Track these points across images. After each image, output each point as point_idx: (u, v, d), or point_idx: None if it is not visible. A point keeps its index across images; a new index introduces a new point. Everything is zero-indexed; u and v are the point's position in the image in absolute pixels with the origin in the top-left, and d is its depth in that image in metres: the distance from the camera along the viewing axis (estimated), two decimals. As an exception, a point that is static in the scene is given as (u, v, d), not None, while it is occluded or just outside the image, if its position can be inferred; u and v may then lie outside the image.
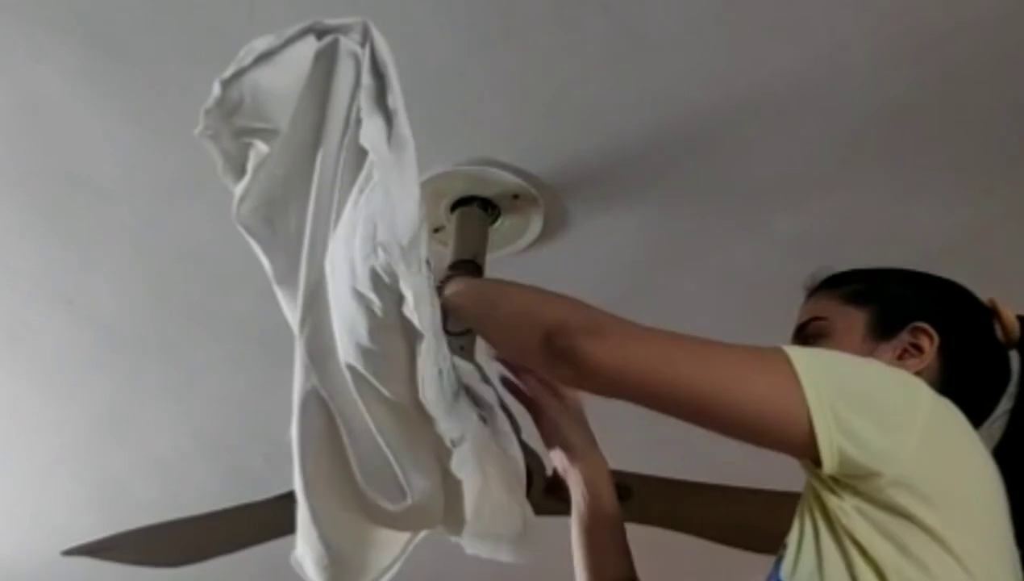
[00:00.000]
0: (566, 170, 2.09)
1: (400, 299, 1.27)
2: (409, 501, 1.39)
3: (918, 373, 1.31)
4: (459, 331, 1.55)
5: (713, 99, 1.95)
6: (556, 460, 1.56)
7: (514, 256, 2.28)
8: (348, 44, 1.31)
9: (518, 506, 1.50)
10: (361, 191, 1.30)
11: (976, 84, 1.91)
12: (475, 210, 2.15)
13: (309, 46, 1.31)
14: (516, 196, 2.13)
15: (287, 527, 2.39)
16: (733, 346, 1.22)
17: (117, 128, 2.04)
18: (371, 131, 1.29)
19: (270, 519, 2.36)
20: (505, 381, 1.54)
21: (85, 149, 2.09)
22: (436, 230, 2.20)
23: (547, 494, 2.18)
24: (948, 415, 1.21)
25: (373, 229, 1.27)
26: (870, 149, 2.04)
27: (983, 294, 2.33)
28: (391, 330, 1.31)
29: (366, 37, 1.32)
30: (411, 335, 1.31)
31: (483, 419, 1.49)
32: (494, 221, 2.19)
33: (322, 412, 1.40)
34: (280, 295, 1.43)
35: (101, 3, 1.80)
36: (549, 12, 1.80)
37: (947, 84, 1.91)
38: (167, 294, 2.43)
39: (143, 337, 2.55)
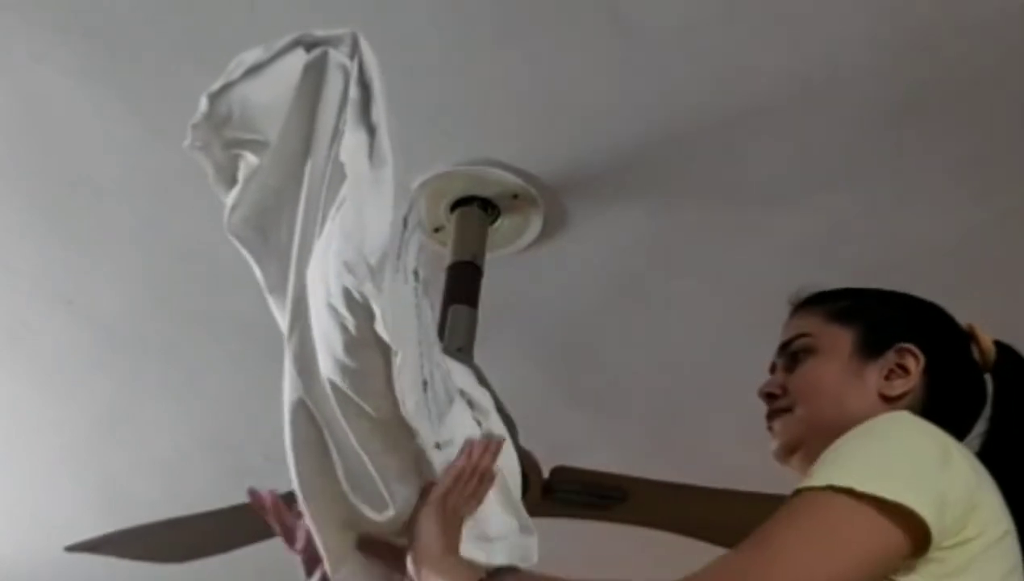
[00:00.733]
0: (566, 170, 2.09)
1: (372, 315, 1.26)
2: (392, 511, 1.39)
3: (903, 393, 1.34)
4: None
5: (713, 99, 1.95)
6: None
7: (514, 256, 2.28)
8: (337, 56, 1.31)
9: (512, 508, 1.50)
10: (339, 207, 1.30)
11: (976, 84, 1.91)
12: (475, 210, 2.15)
13: (298, 58, 1.31)
14: (516, 196, 2.13)
15: (268, 533, 2.40)
16: (803, 524, 1.20)
17: (117, 128, 2.04)
18: (351, 145, 1.28)
19: (253, 524, 2.37)
20: None
21: (85, 149, 2.09)
22: (436, 230, 2.20)
23: (543, 496, 2.18)
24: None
25: (342, 246, 1.26)
26: (870, 149, 2.05)
27: (983, 294, 2.34)
28: (366, 346, 1.29)
29: (355, 49, 1.32)
30: (387, 350, 1.29)
31: (478, 423, 1.49)
32: (494, 221, 2.19)
33: (309, 422, 1.40)
34: (272, 303, 1.43)
35: (101, 3, 1.81)
36: (549, 12, 1.80)
37: (947, 84, 1.91)
38: (167, 294, 2.43)
39: (143, 337, 2.55)
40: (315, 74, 1.31)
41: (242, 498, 2.33)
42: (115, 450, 2.93)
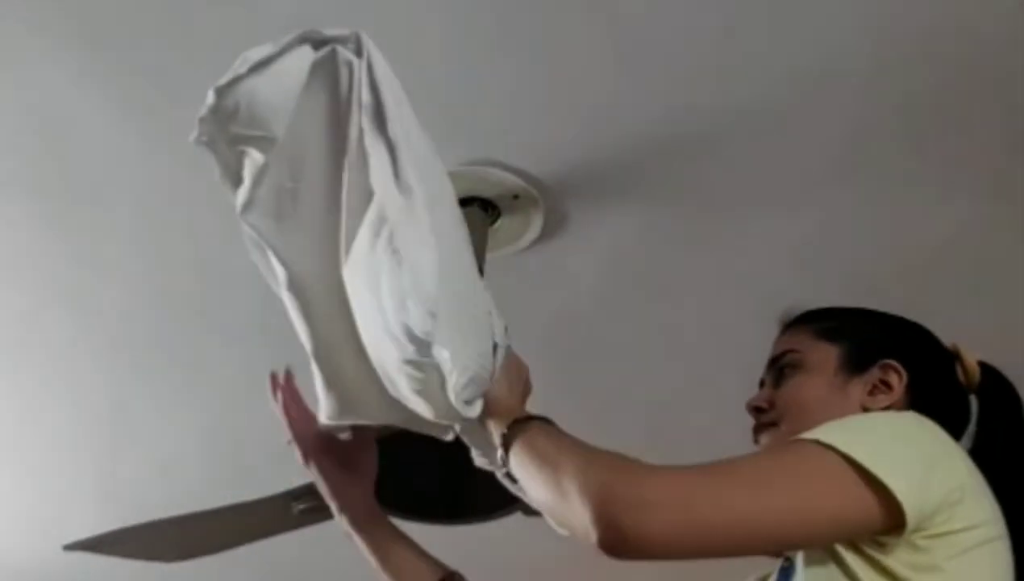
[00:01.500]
0: (566, 170, 2.10)
1: (442, 379, 1.31)
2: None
3: (886, 408, 1.37)
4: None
5: (713, 99, 1.95)
6: (342, 524, 1.60)
7: (514, 256, 2.28)
8: (344, 54, 1.32)
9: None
10: (376, 234, 1.30)
11: (976, 84, 1.91)
12: (475, 210, 2.15)
13: (305, 55, 1.31)
14: (516, 196, 2.14)
15: (286, 525, 2.41)
16: (777, 461, 1.24)
17: (118, 128, 2.04)
18: (375, 164, 1.30)
19: (270, 517, 2.38)
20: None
21: (85, 149, 2.09)
22: (436, 230, 2.20)
23: None
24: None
25: (398, 306, 1.29)
26: (870, 149, 2.05)
27: (983, 294, 2.35)
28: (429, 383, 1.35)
29: (361, 48, 1.32)
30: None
31: None
32: (494, 221, 2.19)
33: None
34: (286, 297, 1.42)
35: (101, 5, 1.81)
36: (549, 12, 1.80)
37: (947, 84, 1.91)
38: (168, 294, 2.44)
39: (144, 338, 2.55)
40: (324, 72, 1.31)
41: (243, 498, 2.34)
42: (115, 450, 2.93)
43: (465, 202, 2.16)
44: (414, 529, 2.35)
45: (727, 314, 2.44)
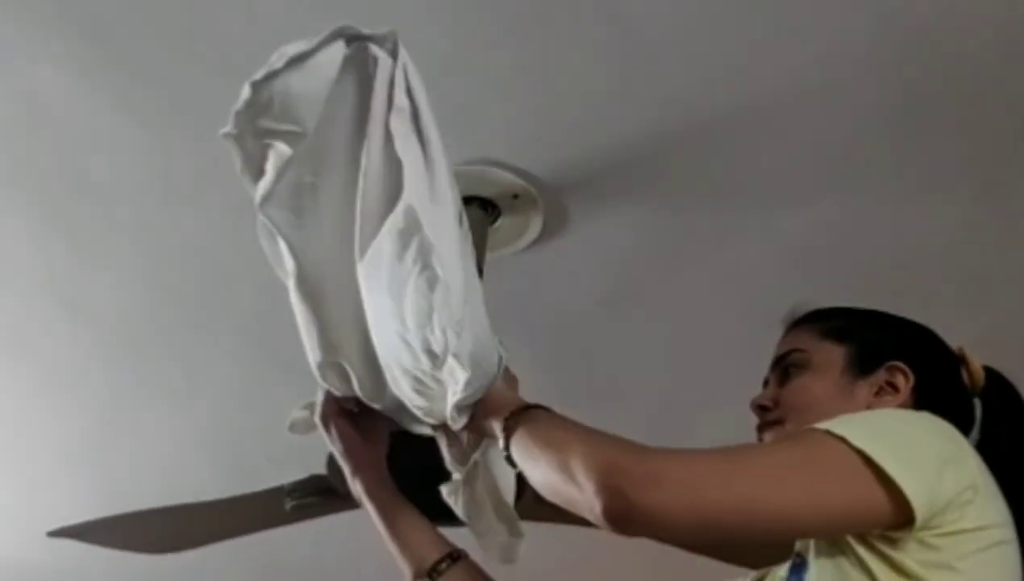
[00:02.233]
0: (566, 170, 2.09)
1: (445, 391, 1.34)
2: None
3: None
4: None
5: (713, 99, 1.95)
6: (354, 489, 1.58)
7: (514, 256, 2.28)
8: (376, 51, 1.32)
9: (505, 515, 1.52)
10: (405, 245, 1.30)
11: (976, 84, 1.91)
12: (475, 210, 2.15)
13: (338, 51, 1.31)
14: (516, 196, 2.13)
15: (278, 520, 2.40)
16: (787, 448, 1.24)
17: (117, 128, 2.04)
18: (411, 178, 1.30)
19: (261, 511, 2.37)
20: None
21: (85, 149, 2.09)
22: (436, 230, 2.20)
23: (537, 501, 2.18)
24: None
25: (427, 318, 1.30)
26: (870, 149, 2.05)
27: (983, 294, 2.34)
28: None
29: (396, 49, 1.33)
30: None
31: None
32: (494, 221, 2.19)
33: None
34: (292, 289, 1.42)
35: (101, 3, 1.81)
36: (548, 12, 1.80)
37: (947, 84, 1.91)
38: (167, 294, 2.44)
39: (143, 337, 2.55)
40: (355, 67, 1.31)
41: (241, 497, 2.35)
42: (115, 450, 2.93)
43: (465, 202, 2.14)
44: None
45: (727, 314, 2.44)
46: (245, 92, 1.31)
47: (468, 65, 1.89)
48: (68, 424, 2.83)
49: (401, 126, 1.31)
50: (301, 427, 1.59)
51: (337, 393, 1.48)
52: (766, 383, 1.49)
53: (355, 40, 1.31)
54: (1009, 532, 1.24)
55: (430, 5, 1.80)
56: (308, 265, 1.38)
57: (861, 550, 1.19)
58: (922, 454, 1.20)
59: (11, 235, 2.28)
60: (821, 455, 1.18)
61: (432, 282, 1.29)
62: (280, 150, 1.35)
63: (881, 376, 1.39)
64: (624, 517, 1.13)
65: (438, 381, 1.34)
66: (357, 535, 2.98)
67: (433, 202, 1.31)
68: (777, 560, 1.38)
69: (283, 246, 1.37)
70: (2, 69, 1.93)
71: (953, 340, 1.47)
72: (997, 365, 1.46)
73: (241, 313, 2.46)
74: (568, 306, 2.45)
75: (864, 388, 1.38)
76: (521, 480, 1.54)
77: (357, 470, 1.53)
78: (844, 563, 1.20)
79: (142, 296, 2.44)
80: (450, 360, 1.31)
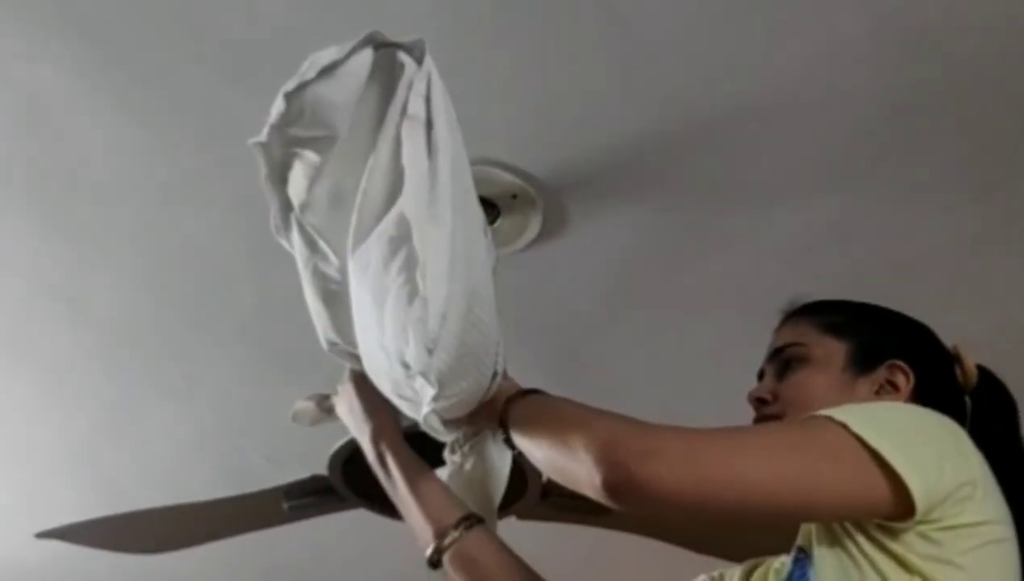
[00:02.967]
0: (565, 170, 2.09)
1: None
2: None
3: None
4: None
5: (713, 99, 1.95)
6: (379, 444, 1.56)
7: (513, 256, 2.28)
8: (404, 58, 1.33)
9: (488, 512, 1.52)
10: (393, 253, 1.31)
11: (976, 84, 1.91)
12: (474, 210, 2.15)
13: (367, 57, 1.32)
14: (515, 196, 2.13)
15: (270, 520, 2.40)
16: (788, 430, 1.25)
17: (117, 128, 2.04)
18: (412, 190, 1.30)
19: (253, 512, 2.37)
20: None
21: (85, 149, 2.09)
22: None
23: (541, 499, 2.18)
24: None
25: (402, 330, 1.30)
26: (870, 150, 2.05)
27: (984, 294, 2.34)
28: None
29: (423, 58, 1.34)
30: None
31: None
32: (493, 221, 2.18)
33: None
34: (306, 279, 1.44)
35: (101, 3, 1.80)
36: (548, 12, 1.80)
37: (947, 84, 1.91)
38: (167, 294, 2.43)
39: (143, 337, 2.55)
40: (381, 73, 1.33)
41: (241, 498, 2.35)
42: (115, 450, 2.93)
43: (464, 201, 2.16)
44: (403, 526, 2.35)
45: (726, 313, 2.44)
46: (278, 104, 1.32)
47: (467, 65, 1.89)
48: (68, 424, 2.83)
49: (412, 133, 1.31)
50: (304, 418, 1.59)
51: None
52: (761, 375, 1.48)
53: (383, 47, 1.33)
54: (1008, 530, 1.24)
55: (430, 5, 1.80)
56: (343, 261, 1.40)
57: (864, 543, 1.19)
58: (923, 445, 1.20)
59: (11, 235, 2.28)
60: (822, 439, 1.18)
61: (411, 296, 1.29)
62: (308, 158, 1.36)
63: (882, 374, 1.39)
64: (623, 489, 1.14)
65: (413, 390, 1.34)
66: (357, 535, 2.99)
67: (430, 215, 1.31)
68: (770, 552, 1.39)
69: (326, 248, 1.39)
70: (2, 69, 1.93)
71: (953, 341, 1.48)
72: (996, 366, 1.46)
73: (241, 313, 2.46)
74: (567, 306, 2.45)
75: (865, 386, 1.38)
76: (521, 482, 1.55)
77: (382, 431, 1.52)
78: (847, 557, 1.20)
79: (142, 296, 2.44)
80: (419, 379, 1.31)
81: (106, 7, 1.81)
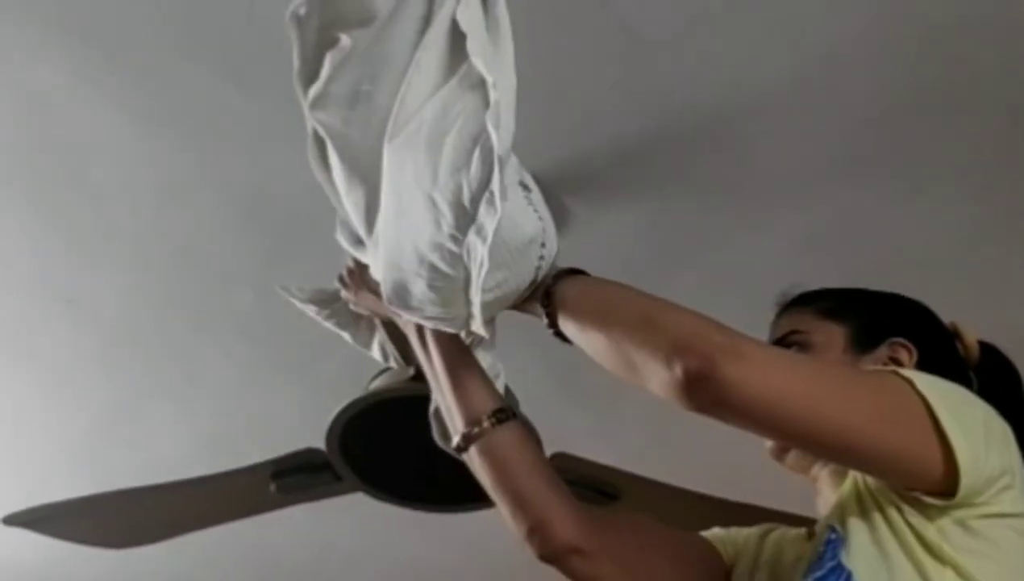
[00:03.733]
0: (566, 168, 2.09)
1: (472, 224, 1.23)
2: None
3: None
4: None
5: (713, 97, 1.95)
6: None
7: (514, 256, 2.28)
8: None
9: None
10: (461, 81, 1.23)
11: (976, 84, 1.91)
12: (474, 209, 2.14)
13: None
14: (515, 196, 2.13)
15: (257, 505, 2.28)
16: (862, 373, 1.25)
17: (117, 128, 2.04)
18: (475, 43, 1.23)
19: (237, 493, 2.24)
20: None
21: (85, 149, 2.09)
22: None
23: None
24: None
25: (468, 152, 1.21)
26: (870, 149, 2.05)
27: (984, 293, 2.34)
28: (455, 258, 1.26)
29: None
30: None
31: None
32: (493, 221, 2.18)
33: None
34: (334, 185, 1.35)
35: (101, 3, 1.81)
36: (548, 11, 1.80)
37: (947, 84, 1.91)
38: (167, 294, 2.43)
39: (143, 337, 2.55)
40: None
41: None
42: (115, 450, 2.93)
43: (465, 201, 2.15)
44: (405, 515, 2.33)
45: (727, 313, 2.42)
46: None
47: (468, 65, 1.89)
48: (68, 424, 2.83)
49: (468, 13, 1.25)
50: (322, 300, 1.51)
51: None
52: None
53: None
54: None
55: (430, 5, 1.80)
56: (351, 159, 1.32)
57: (900, 525, 1.17)
58: (975, 425, 1.19)
59: (11, 235, 2.28)
60: (892, 388, 1.17)
61: (486, 101, 1.20)
62: (341, 46, 1.28)
63: (883, 352, 1.37)
64: (703, 384, 1.11)
65: (458, 264, 1.25)
66: (358, 536, 2.99)
67: (497, 63, 1.23)
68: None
69: (332, 151, 1.31)
70: (2, 69, 1.93)
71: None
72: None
73: (241, 313, 2.46)
74: (568, 306, 2.45)
75: (868, 365, 1.36)
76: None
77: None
78: (881, 540, 1.18)
79: (142, 296, 2.44)
80: (471, 235, 1.22)
81: (106, 7, 1.81)
